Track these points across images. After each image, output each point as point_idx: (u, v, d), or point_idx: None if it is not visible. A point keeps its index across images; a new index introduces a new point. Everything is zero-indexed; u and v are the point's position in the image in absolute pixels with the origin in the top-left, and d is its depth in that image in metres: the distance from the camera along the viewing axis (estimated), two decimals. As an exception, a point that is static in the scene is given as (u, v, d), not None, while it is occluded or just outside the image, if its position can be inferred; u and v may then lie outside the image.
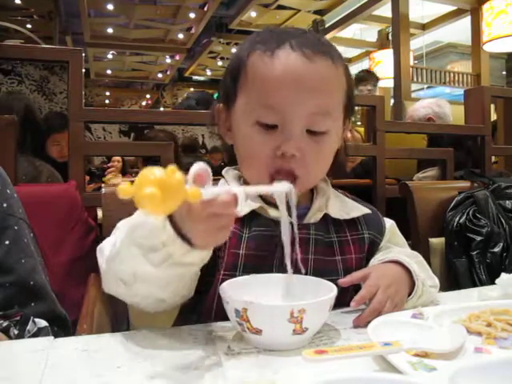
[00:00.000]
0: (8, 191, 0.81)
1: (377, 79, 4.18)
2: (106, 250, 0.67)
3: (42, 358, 0.55)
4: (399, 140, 2.34)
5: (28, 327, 0.71)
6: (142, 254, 0.59)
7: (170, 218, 0.56)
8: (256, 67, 0.74)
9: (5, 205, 0.79)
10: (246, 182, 0.82)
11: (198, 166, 0.53)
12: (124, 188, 0.45)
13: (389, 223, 0.90)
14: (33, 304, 0.76)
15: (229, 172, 0.85)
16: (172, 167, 0.47)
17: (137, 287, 0.62)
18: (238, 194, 0.53)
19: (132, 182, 0.46)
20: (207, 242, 0.57)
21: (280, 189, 0.64)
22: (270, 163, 0.73)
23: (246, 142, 0.76)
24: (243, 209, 0.76)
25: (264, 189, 0.67)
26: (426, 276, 0.77)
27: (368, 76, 4.07)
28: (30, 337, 0.70)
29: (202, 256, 0.60)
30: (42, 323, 0.74)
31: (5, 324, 0.69)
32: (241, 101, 0.77)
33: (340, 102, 0.78)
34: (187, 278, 0.64)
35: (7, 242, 0.76)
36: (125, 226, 0.64)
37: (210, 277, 0.74)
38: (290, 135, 0.72)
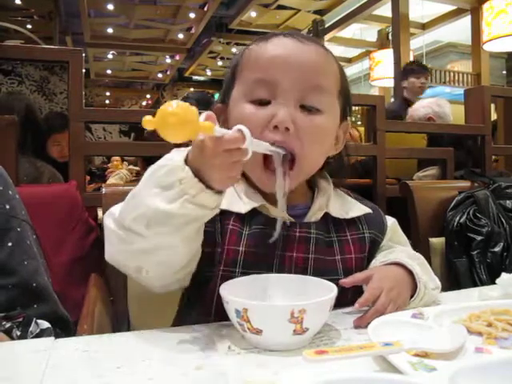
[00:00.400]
0: (10, 192, 0.81)
1: (429, 72, 3.85)
2: (116, 211, 0.67)
3: (43, 358, 0.55)
4: (399, 140, 2.34)
5: (31, 328, 0.71)
6: (158, 192, 0.60)
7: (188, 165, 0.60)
8: (250, 54, 0.78)
9: (7, 206, 0.78)
10: (248, 180, 0.82)
11: (210, 112, 0.57)
12: (147, 119, 0.50)
13: (390, 221, 0.90)
14: (35, 306, 0.76)
15: None
16: (186, 103, 0.52)
17: (150, 234, 0.62)
18: (244, 131, 0.56)
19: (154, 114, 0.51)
20: (223, 177, 0.59)
21: (278, 149, 0.70)
22: (263, 137, 0.72)
23: (239, 119, 0.75)
24: (245, 206, 0.76)
25: (262, 144, 0.68)
26: (428, 278, 0.77)
27: (420, 68, 3.70)
28: (32, 338, 0.70)
29: (213, 200, 0.61)
30: (45, 324, 0.74)
31: (7, 325, 0.69)
32: (236, 89, 0.79)
33: (333, 86, 0.79)
34: (197, 225, 0.64)
35: (10, 244, 0.76)
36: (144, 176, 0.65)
37: (208, 273, 0.74)
38: (283, 107, 0.73)
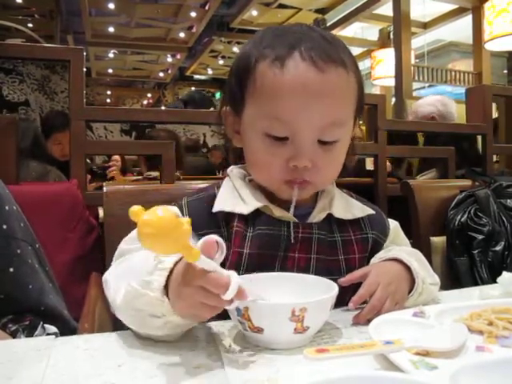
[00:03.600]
0: (7, 208, 0.76)
1: None
2: (110, 284, 0.67)
3: (43, 356, 0.55)
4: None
5: (36, 332, 0.71)
6: (142, 317, 0.59)
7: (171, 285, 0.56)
8: (265, 78, 0.72)
9: (4, 226, 0.75)
10: (251, 181, 0.82)
11: (210, 238, 0.54)
12: (134, 210, 0.47)
13: (393, 224, 0.90)
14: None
15: (234, 171, 0.85)
16: (188, 219, 0.49)
17: (142, 333, 0.62)
18: (233, 281, 0.52)
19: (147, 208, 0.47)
20: (183, 312, 0.56)
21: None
22: (282, 173, 0.73)
23: (256, 152, 0.76)
24: (247, 207, 0.76)
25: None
26: (426, 274, 0.77)
27: None
28: None
29: None
30: (52, 329, 0.74)
31: (13, 328, 0.69)
32: (250, 110, 0.75)
33: (351, 110, 0.76)
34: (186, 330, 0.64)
35: (12, 270, 0.74)
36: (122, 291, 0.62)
37: None
38: (301, 148, 0.71)
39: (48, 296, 0.79)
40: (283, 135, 0.72)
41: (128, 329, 0.83)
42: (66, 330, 0.78)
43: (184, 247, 0.49)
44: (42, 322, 0.73)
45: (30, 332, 0.70)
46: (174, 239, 0.47)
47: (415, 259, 0.78)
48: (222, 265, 0.73)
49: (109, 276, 0.69)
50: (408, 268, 0.75)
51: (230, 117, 0.81)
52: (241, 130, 0.79)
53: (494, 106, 2.44)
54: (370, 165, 2.18)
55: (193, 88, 12.32)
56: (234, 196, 0.79)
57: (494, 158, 2.22)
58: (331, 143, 0.74)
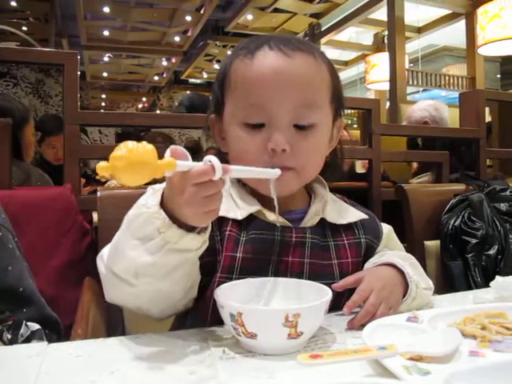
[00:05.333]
0: None
1: None
2: (105, 255, 0.67)
3: (36, 363, 0.55)
4: (393, 142, 2.35)
5: (21, 331, 0.71)
6: (139, 244, 0.59)
7: (164, 207, 0.58)
8: (238, 71, 0.76)
9: None
10: (245, 186, 0.82)
11: (175, 147, 0.56)
12: (101, 165, 0.47)
13: (386, 228, 0.90)
14: (24, 310, 0.76)
15: None
16: (145, 142, 0.50)
17: (139, 284, 0.62)
18: (214, 162, 0.53)
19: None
20: (198, 213, 0.57)
21: (268, 174, 0.67)
22: (260, 160, 0.73)
23: (235, 143, 0.77)
24: (241, 212, 0.76)
25: (252, 170, 0.67)
26: (419, 278, 0.77)
27: None
28: (23, 341, 0.70)
29: (197, 241, 0.60)
30: (35, 326, 0.75)
31: None
32: (228, 108, 0.78)
33: (325, 96, 0.78)
34: (186, 267, 0.63)
35: None
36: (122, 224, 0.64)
37: (207, 281, 0.74)
38: (277, 130, 0.73)
39: (27, 280, 0.80)
40: (259, 121, 0.74)
41: (121, 334, 0.82)
42: (44, 318, 0.78)
43: (159, 165, 0.50)
44: (24, 321, 0.73)
45: (14, 332, 0.71)
46: (148, 163, 0.49)
47: (409, 263, 0.78)
48: (214, 268, 0.74)
49: (104, 249, 0.69)
50: (402, 272, 0.75)
51: (216, 124, 0.83)
52: (223, 131, 0.81)
53: (487, 110, 2.46)
54: (359, 167, 2.20)
55: (188, 92, 12.31)
56: (227, 200, 0.79)
57: (488, 162, 2.23)
58: (308, 128, 0.75)
